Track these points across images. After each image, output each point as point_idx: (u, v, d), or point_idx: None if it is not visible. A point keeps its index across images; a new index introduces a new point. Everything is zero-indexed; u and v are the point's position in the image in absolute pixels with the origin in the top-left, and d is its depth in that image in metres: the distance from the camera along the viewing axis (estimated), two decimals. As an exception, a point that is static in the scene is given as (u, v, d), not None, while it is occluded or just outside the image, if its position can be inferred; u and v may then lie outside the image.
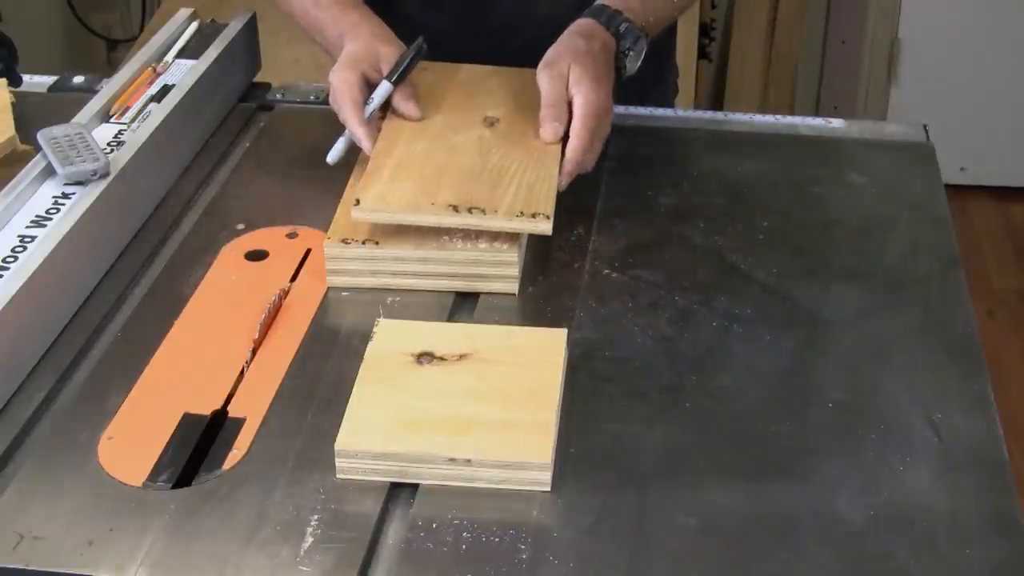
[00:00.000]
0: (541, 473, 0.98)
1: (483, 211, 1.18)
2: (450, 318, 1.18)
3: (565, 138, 1.27)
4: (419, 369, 1.06)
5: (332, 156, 1.30)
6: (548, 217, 1.18)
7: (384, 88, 1.30)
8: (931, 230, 1.31)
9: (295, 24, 1.46)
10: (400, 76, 1.31)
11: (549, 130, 1.27)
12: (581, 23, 1.34)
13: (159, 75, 1.45)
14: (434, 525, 0.95)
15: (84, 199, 1.20)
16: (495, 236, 1.19)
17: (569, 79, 1.27)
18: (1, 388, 1.07)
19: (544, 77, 1.28)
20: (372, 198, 1.20)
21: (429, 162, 1.25)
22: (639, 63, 1.36)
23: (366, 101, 1.30)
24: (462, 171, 1.24)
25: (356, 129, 1.28)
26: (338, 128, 1.30)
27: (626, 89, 1.37)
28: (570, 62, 1.28)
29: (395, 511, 0.98)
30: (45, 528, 0.95)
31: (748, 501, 0.98)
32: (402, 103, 1.31)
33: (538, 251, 1.25)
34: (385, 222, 1.20)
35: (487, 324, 1.16)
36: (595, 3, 1.37)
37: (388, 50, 1.33)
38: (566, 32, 1.33)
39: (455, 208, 1.18)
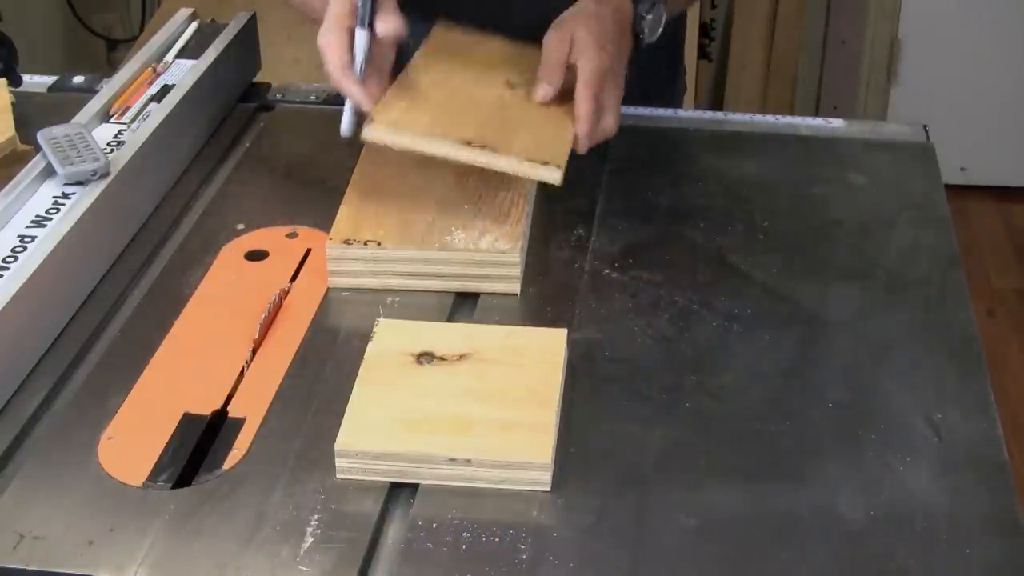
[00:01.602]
0: (541, 473, 0.98)
1: (495, 150, 1.18)
2: (450, 318, 1.18)
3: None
4: (419, 369, 1.06)
5: (344, 128, 1.24)
6: (559, 167, 1.18)
7: (362, 38, 1.20)
8: (931, 230, 1.30)
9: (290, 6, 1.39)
10: (370, 16, 1.20)
11: (539, 91, 1.26)
12: None
13: (159, 75, 1.45)
14: (434, 525, 0.95)
15: (84, 199, 1.20)
16: (497, 235, 1.19)
17: (574, 42, 1.26)
18: (1, 388, 1.07)
19: (548, 38, 1.27)
20: (386, 120, 1.19)
21: (449, 104, 1.24)
22: (660, 30, 1.34)
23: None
24: (480, 116, 1.23)
25: (350, 89, 1.20)
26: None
27: (639, 88, 1.36)
28: (576, 25, 1.26)
29: (395, 511, 0.98)
30: (45, 528, 0.95)
31: (748, 501, 0.98)
32: (382, 24, 1.21)
33: (538, 251, 1.25)
34: (396, 146, 1.19)
35: (487, 324, 1.16)
36: None
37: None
38: None
39: (469, 143, 1.18)
